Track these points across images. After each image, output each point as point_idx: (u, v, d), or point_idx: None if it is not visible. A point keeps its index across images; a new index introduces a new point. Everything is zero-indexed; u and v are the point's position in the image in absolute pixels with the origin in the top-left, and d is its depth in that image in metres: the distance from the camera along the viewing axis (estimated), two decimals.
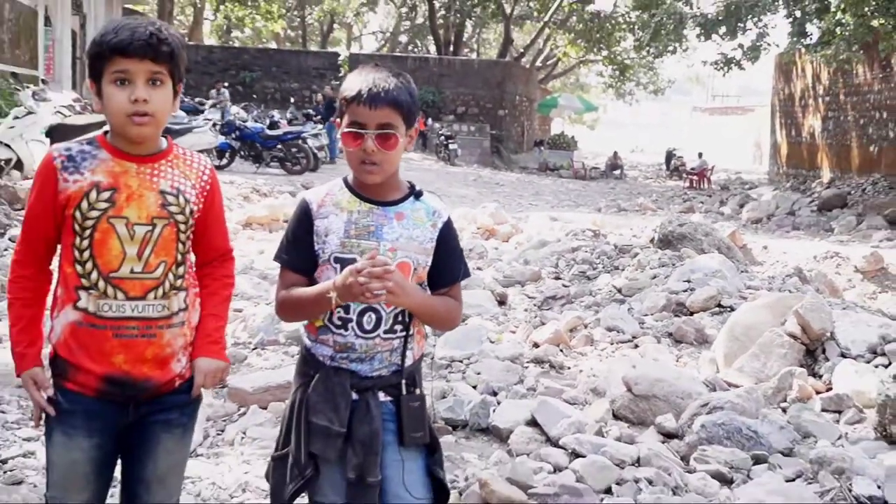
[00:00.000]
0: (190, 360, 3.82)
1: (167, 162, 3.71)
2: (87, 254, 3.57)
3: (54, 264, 3.73)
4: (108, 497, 3.88)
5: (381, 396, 3.77)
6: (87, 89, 22.00)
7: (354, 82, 3.77)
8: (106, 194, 3.56)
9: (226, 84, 45.48)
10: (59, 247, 3.69)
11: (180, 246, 3.70)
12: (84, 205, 3.54)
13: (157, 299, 3.64)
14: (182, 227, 3.68)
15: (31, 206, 3.68)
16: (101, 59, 3.54)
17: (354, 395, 3.71)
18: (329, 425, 3.65)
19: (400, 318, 3.78)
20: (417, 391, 3.85)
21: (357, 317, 3.72)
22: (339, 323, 3.74)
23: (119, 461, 3.86)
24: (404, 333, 3.79)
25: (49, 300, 3.76)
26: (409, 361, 3.82)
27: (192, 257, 3.83)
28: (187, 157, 3.80)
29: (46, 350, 3.71)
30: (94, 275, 3.57)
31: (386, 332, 3.75)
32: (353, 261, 3.62)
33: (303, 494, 3.79)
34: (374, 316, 3.73)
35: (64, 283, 3.64)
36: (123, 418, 3.70)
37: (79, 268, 3.58)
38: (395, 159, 3.77)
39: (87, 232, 3.56)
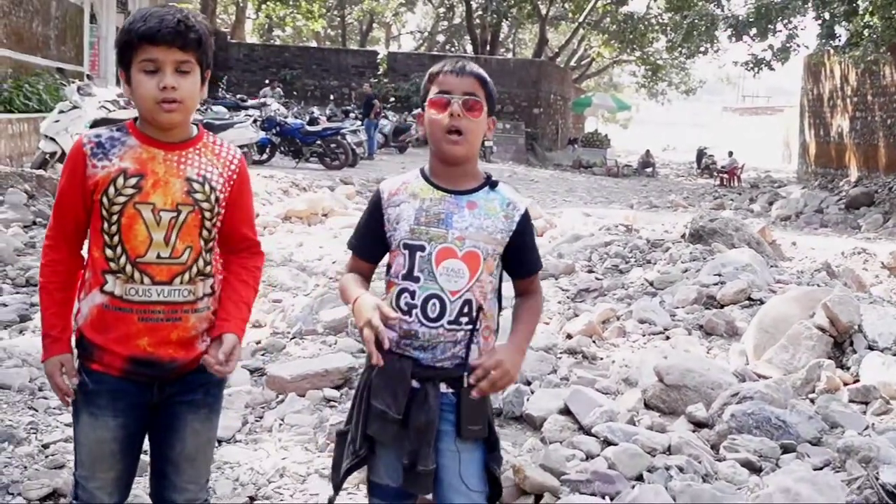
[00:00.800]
0: (210, 339, 3.79)
1: (195, 150, 3.70)
2: (115, 238, 3.57)
3: (84, 249, 3.74)
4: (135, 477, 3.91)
5: (443, 388, 3.72)
6: None
7: (439, 63, 3.85)
8: (133, 180, 3.56)
9: (279, 83, 45.68)
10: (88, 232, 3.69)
11: (205, 233, 3.69)
12: (111, 190, 3.55)
13: (183, 284, 3.64)
14: (207, 214, 3.67)
15: (61, 191, 3.68)
16: (129, 48, 3.54)
17: (416, 384, 3.68)
18: (386, 410, 3.64)
19: (466, 311, 3.72)
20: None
21: (421, 303, 3.68)
22: (404, 308, 3.70)
23: (147, 442, 3.87)
24: (470, 327, 3.72)
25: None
26: (473, 355, 3.72)
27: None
28: (216, 146, 3.80)
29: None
30: (123, 259, 3.57)
31: (450, 322, 3.69)
32: (421, 247, 3.69)
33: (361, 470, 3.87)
34: (437, 304, 3.68)
35: (92, 267, 3.64)
36: (149, 398, 3.71)
37: (108, 252, 3.58)
38: (478, 132, 3.76)
39: (115, 217, 3.56)
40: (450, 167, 3.79)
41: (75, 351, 3.73)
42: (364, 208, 3.96)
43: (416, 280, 3.68)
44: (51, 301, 3.69)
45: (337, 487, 3.91)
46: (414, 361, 3.69)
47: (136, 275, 3.57)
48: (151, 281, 3.59)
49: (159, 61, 3.50)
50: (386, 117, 40.89)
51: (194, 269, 3.66)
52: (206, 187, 3.66)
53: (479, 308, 3.74)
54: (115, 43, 3.65)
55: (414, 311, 3.68)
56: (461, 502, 3.72)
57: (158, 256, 3.59)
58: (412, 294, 3.68)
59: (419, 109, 3.92)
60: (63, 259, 3.69)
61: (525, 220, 3.84)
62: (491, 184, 3.82)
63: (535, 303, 4.02)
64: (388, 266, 3.83)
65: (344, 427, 3.88)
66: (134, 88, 3.56)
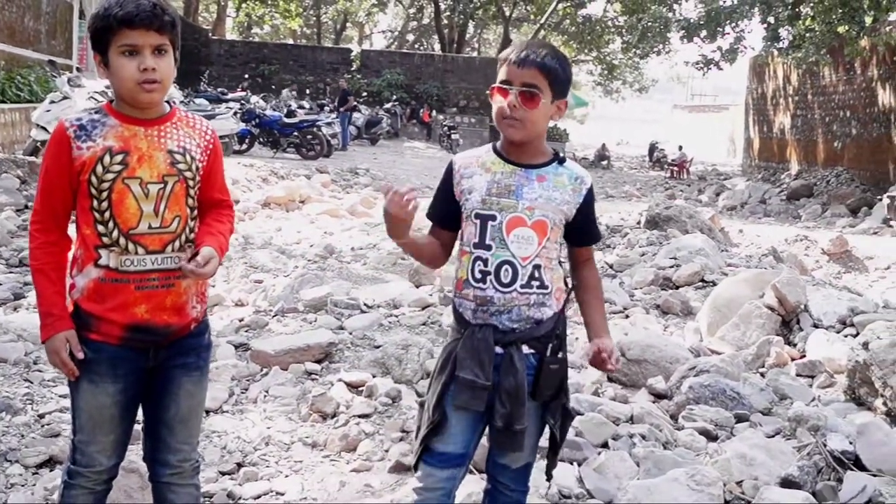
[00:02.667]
0: (199, 302, 3.82)
1: (172, 124, 3.70)
2: (107, 214, 3.55)
3: (71, 229, 3.70)
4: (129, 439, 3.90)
5: (525, 349, 3.70)
6: None
7: (510, 47, 3.80)
8: (119, 157, 3.55)
9: (295, 89, 45.61)
10: (73, 212, 3.67)
11: (190, 201, 3.70)
12: (99, 169, 3.53)
13: (174, 252, 3.64)
14: (191, 182, 3.68)
15: (46, 174, 3.63)
16: (107, 32, 3.51)
17: (499, 350, 3.67)
18: (475, 379, 3.63)
19: (536, 276, 3.71)
20: (560, 354, 3.78)
21: (495, 270, 3.68)
22: (479, 276, 3.69)
23: (140, 406, 3.86)
24: (541, 290, 3.71)
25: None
26: (547, 315, 3.72)
27: None
28: (190, 119, 3.81)
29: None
30: (116, 233, 3.56)
31: (523, 286, 3.67)
32: (492, 217, 3.69)
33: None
34: (510, 270, 3.67)
35: (83, 244, 3.61)
36: (145, 363, 3.70)
37: (100, 227, 3.56)
38: (538, 120, 3.70)
39: (105, 194, 3.54)
40: (515, 145, 3.77)
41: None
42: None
43: (489, 248, 3.68)
44: (48, 281, 3.63)
45: (417, 455, 3.88)
46: (495, 329, 3.68)
47: (130, 246, 3.57)
48: (145, 251, 3.59)
49: (138, 44, 3.49)
50: (359, 111, 40.84)
51: (183, 237, 3.67)
52: (188, 157, 3.67)
53: (549, 271, 3.74)
54: (89, 28, 3.60)
55: (488, 278, 3.68)
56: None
57: (150, 227, 3.59)
58: (485, 262, 3.68)
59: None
60: (55, 240, 3.65)
61: (590, 193, 3.85)
62: (560, 160, 3.81)
63: (595, 276, 4.04)
64: (461, 236, 3.83)
65: (423, 398, 3.91)
66: (114, 71, 3.54)
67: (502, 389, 3.63)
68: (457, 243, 3.91)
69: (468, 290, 3.72)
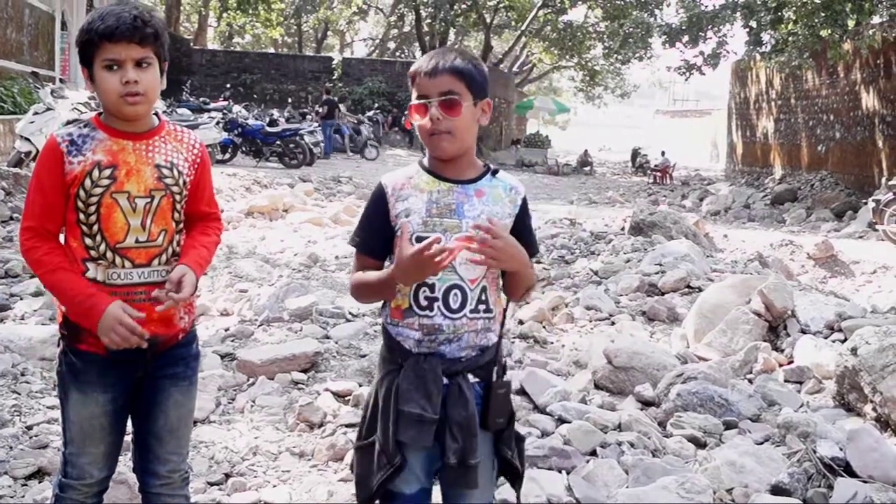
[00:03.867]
0: (187, 313, 3.81)
1: (160, 138, 3.71)
2: (95, 228, 3.56)
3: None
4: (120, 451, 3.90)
5: (471, 378, 3.51)
6: None
7: (418, 61, 3.60)
8: (107, 171, 3.56)
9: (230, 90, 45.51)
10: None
11: (176, 215, 3.70)
12: (87, 183, 3.54)
13: (160, 265, 3.65)
14: (177, 197, 3.69)
15: (40, 189, 3.61)
16: (90, 46, 3.52)
17: (445, 380, 3.45)
18: (422, 412, 3.40)
19: (483, 298, 3.51)
20: (505, 377, 3.62)
21: (443, 295, 3.46)
22: (424, 304, 3.47)
23: (130, 417, 3.86)
24: (487, 315, 3.53)
25: None
26: (492, 341, 3.56)
27: None
28: (178, 132, 3.81)
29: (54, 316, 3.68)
30: (103, 247, 3.57)
31: (472, 311, 3.48)
32: (437, 240, 3.36)
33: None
34: (459, 294, 3.47)
35: (71, 257, 3.61)
36: (133, 373, 3.70)
37: (87, 241, 3.57)
38: (465, 128, 3.51)
39: (93, 208, 3.55)
40: (446, 162, 3.57)
41: (58, 331, 3.74)
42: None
43: (434, 272, 3.41)
44: (69, 273, 3.58)
45: (369, 501, 3.61)
46: (441, 358, 3.47)
47: (118, 260, 3.57)
48: (132, 264, 3.59)
49: (120, 58, 3.49)
50: (344, 117, 40.87)
51: (170, 251, 3.68)
52: (175, 172, 3.68)
53: (498, 299, 3.60)
54: (76, 42, 3.60)
55: (436, 305, 3.47)
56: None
57: (137, 241, 3.59)
58: (431, 287, 3.47)
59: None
60: (55, 246, 3.62)
61: (525, 203, 3.68)
62: (492, 172, 3.64)
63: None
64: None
65: (364, 441, 3.61)
66: (98, 84, 3.55)
67: (453, 422, 3.42)
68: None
69: (412, 319, 3.49)
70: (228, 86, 47.40)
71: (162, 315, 3.66)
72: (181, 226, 3.75)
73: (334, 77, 50.30)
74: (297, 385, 7.41)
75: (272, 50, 70.28)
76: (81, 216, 3.56)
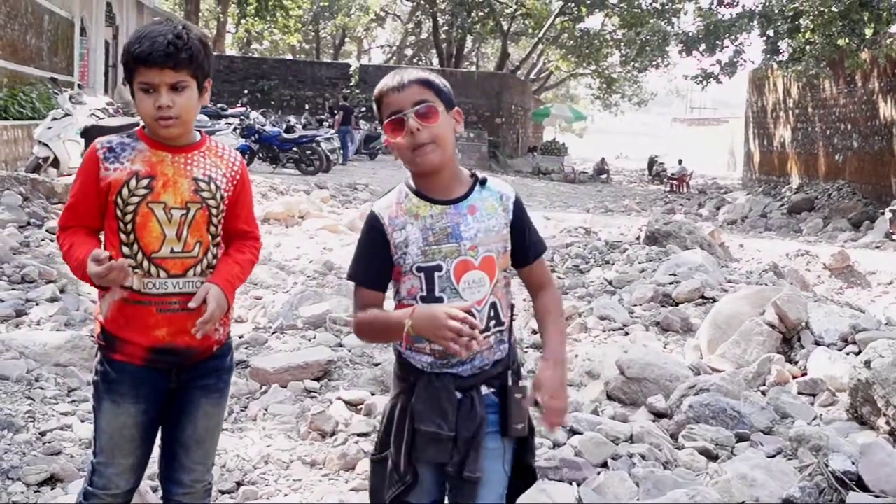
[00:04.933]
0: (222, 325, 3.81)
1: (200, 153, 3.75)
2: (132, 236, 3.60)
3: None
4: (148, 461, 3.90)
5: (484, 390, 3.46)
6: (118, 94, 22.10)
7: (382, 81, 3.51)
8: (145, 181, 3.60)
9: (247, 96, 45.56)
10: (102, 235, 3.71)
11: (212, 228, 3.72)
12: (125, 191, 3.58)
13: (196, 276, 3.68)
14: (213, 210, 3.71)
15: (75, 194, 3.70)
16: (128, 68, 3.59)
17: (458, 394, 3.41)
18: (439, 431, 3.36)
19: (493, 315, 3.46)
20: (521, 382, 3.52)
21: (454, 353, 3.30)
22: None
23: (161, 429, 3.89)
24: (499, 328, 3.49)
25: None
26: (505, 351, 3.51)
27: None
28: (220, 149, 3.85)
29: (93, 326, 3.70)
30: (140, 255, 3.60)
31: (483, 331, 3.36)
32: (438, 268, 3.39)
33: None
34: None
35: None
36: (167, 384, 3.73)
37: (125, 249, 3.61)
38: (445, 133, 3.43)
39: (130, 217, 3.59)
40: (431, 178, 3.48)
41: (97, 341, 3.77)
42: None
43: (440, 300, 3.38)
44: (75, 246, 3.60)
45: None
46: (453, 376, 3.43)
47: (153, 269, 3.61)
48: (167, 274, 3.63)
49: (154, 82, 3.53)
50: (358, 126, 40.92)
51: (205, 262, 3.70)
52: (212, 186, 3.70)
53: (508, 306, 3.55)
54: (121, 60, 3.66)
55: None
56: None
57: (172, 251, 3.63)
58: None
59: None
60: (76, 231, 3.67)
61: (518, 205, 3.58)
62: (480, 182, 3.55)
63: (554, 299, 3.74)
64: (397, 292, 3.53)
65: (378, 454, 3.58)
66: (136, 104, 3.61)
67: (460, 436, 3.38)
68: (390, 299, 3.57)
69: (422, 345, 3.42)
70: (246, 92, 47.49)
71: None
72: (217, 239, 3.77)
73: (351, 83, 50.36)
74: (310, 393, 7.40)
75: (290, 56, 70.48)
76: (120, 224, 3.61)
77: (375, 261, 3.50)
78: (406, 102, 3.40)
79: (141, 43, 3.51)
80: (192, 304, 3.58)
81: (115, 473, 3.73)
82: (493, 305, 3.47)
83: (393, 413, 3.52)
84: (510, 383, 3.49)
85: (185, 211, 3.64)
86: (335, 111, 40.36)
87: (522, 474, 3.63)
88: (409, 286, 3.46)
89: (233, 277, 3.75)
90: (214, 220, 3.72)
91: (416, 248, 3.42)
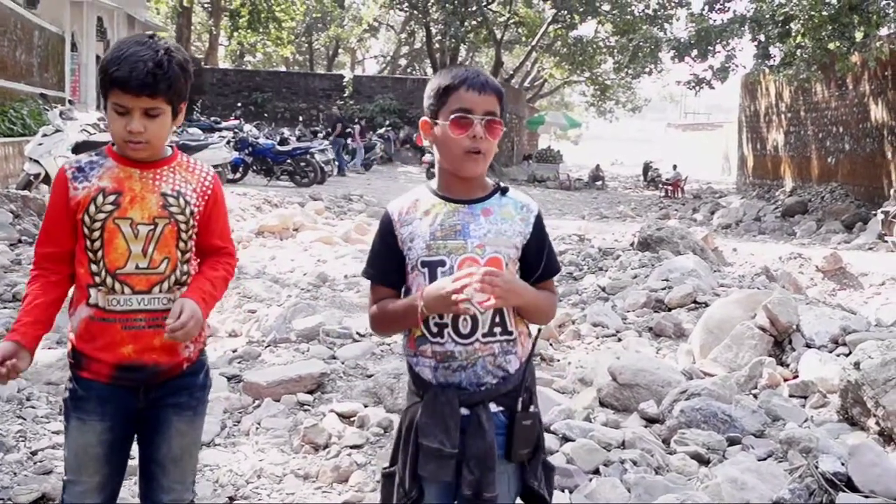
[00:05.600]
0: (194, 342, 3.80)
1: (169, 168, 3.71)
2: (99, 254, 3.58)
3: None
4: (123, 480, 3.90)
5: (493, 407, 3.41)
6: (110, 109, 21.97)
7: (455, 72, 3.51)
8: (111, 197, 3.58)
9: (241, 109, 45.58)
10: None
11: (181, 244, 3.68)
12: (91, 208, 3.56)
13: (162, 293, 3.64)
14: (183, 226, 3.67)
15: (47, 217, 3.70)
16: (103, 86, 3.54)
17: (465, 411, 3.37)
18: (441, 447, 3.32)
19: (498, 321, 3.40)
20: (532, 408, 3.45)
21: (452, 321, 3.36)
22: (435, 330, 3.39)
23: (137, 445, 3.87)
24: (505, 337, 3.41)
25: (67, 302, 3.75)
26: (514, 366, 3.43)
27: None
28: (191, 164, 3.80)
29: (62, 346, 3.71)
30: (104, 272, 3.58)
31: (485, 335, 3.37)
32: (441, 262, 3.38)
33: None
34: (469, 319, 3.35)
35: (77, 283, 3.65)
36: (135, 402, 3.70)
37: (92, 266, 3.59)
38: (494, 149, 3.48)
39: (97, 233, 3.57)
40: (461, 181, 3.48)
41: (68, 357, 3.75)
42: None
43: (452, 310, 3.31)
44: (34, 295, 3.63)
45: None
46: (458, 388, 3.39)
47: (117, 286, 3.58)
48: (132, 290, 3.59)
49: (128, 106, 3.50)
50: (352, 137, 40.91)
51: (172, 279, 3.66)
52: (181, 201, 3.67)
53: (514, 314, 3.45)
54: (97, 74, 3.63)
55: (445, 331, 3.38)
56: None
57: (137, 267, 3.59)
58: (440, 314, 3.37)
59: (422, 118, 3.57)
60: (54, 281, 3.66)
61: (539, 221, 3.54)
62: (502, 190, 3.53)
63: (553, 296, 3.65)
64: (407, 290, 3.51)
65: (389, 468, 3.57)
66: (108, 120, 3.58)
67: (470, 455, 3.31)
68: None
69: (425, 347, 3.41)
70: (239, 104, 47.52)
71: (164, 344, 3.65)
72: (188, 255, 3.73)
73: (345, 95, 50.37)
74: (303, 406, 7.39)
75: (283, 68, 70.46)
76: (87, 242, 3.58)
77: (386, 257, 3.53)
78: (481, 107, 3.41)
79: (120, 66, 3.46)
80: (168, 321, 3.53)
81: (81, 491, 3.71)
82: (500, 311, 3.41)
83: (402, 427, 3.51)
84: (520, 408, 3.42)
85: (152, 226, 3.61)
86: (336, 123, 40.34)
87: (527, 498, 3.55)
88: (417, 284, 3.44)
89: (206, 294, 3.73)
90: (184, 235, 3.68)
91: (422, 241, 3.42)
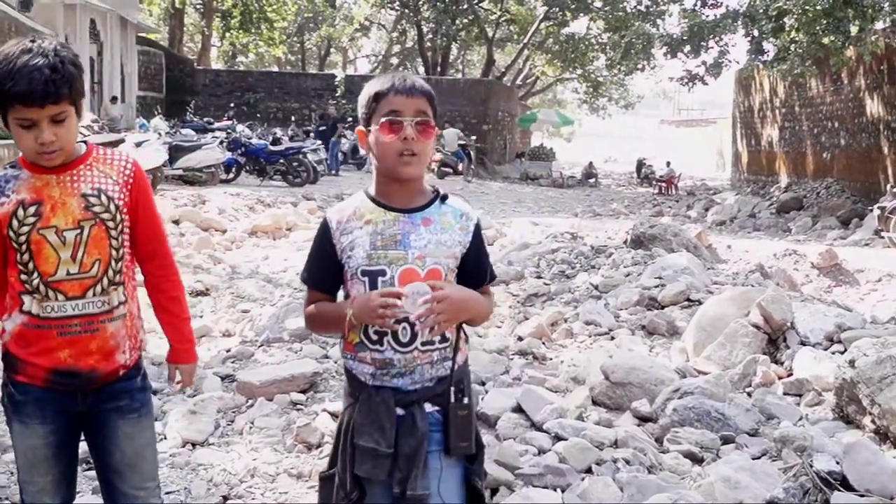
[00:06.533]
0: (170, 361, 3.99)
1: (86, 166, 3.66)
2: (30, 265, 3.57)
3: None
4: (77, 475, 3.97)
5: (428, 407, 3.47)
6: (104, 111, 21.99)
7: (384, 79, 3.56)
8: (32, 209, 3.55)
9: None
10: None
11: (113, 242, 3.66)
12: (14, 223, 3.54)
13: (96, 296, 3.63)
14: (110, 224, 3.65)
15: None
16: (2, 101, 3.43)
17: (400, 411, 3.43)
18: (376, 447, 3.38)
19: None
20: (465, 399, 3.53)
21: (391, 330, 3.41)
22: (374, 338, 3.45)
23: (89, 453, 3.92)
24: (443, 345, 3.50)
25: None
26: (451, 370, 3.52)
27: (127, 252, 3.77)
28: (108, 156, 3.74)
29: None
30: (36, 281, 3.57)
31: (423, 343, 3.44)
32: (382, 272, 3.42)
33: None
34: (408, 327, 3.41)
35: (10, 290, 3.65)
36: (73, 406, 3.71)
37: (24, 276, 3.58)
38: (428, 151, 3.50)
39: (24, 246, 3.55)
40: (401, 186, 3.52)
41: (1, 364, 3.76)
42: None
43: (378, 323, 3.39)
44: None
45: None
46: (394, 391, 3.45)
47: (51, 293, 3.57)
48: (65, 297, 3.59)
49: (35, 118, 3.43)
50: (345, 137, 40.92)
51: (105, 280, 3.64)
52: (104, 198, 3.63)
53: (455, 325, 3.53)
54: None
55: (385, 339, 3.44)
56: None
57: (68, 273, 3.58)
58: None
59: (357, 127, 3.63)
60: None
61: (478, 229, 3.62)
62: (441, 197, 3.57)
63: (491, 298, 3.80)
64: (346, 296, 3.57)
65: (327, 471, 3.64)
66: (15, 138, 3.51)
67: (401, 453, 3.39)
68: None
69: (364, 353, 3.47)
70: (232, 105, 47.45)
71: (100, 348, 3.66)
72: (121, 252, 3.70)
73: (337, 94, 50.35)
74: (296, 406, 7.44)
75: (275, 68, 70.47)
76: (17, 255, 3.57)
77: (323, 263, 3.59)
78: (410, 109, 3.45)
79: (16, 80, 3.35)
80: (175, 387, 3.87)
81: (36, 491, 3.73)
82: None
83: (339, 428, 3.56)
84: (453, 400, 3.50)
85: (78, 230, 3.58)
86: (331, 122, 40.31)
87: (470, 497, 3.60)
88: (356, 292, 3.48)
89: (192, 337, 4.00)
90: (114, 232, 3.66)
91: (363, 251, 3.46)
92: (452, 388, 3.51)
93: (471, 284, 3.59)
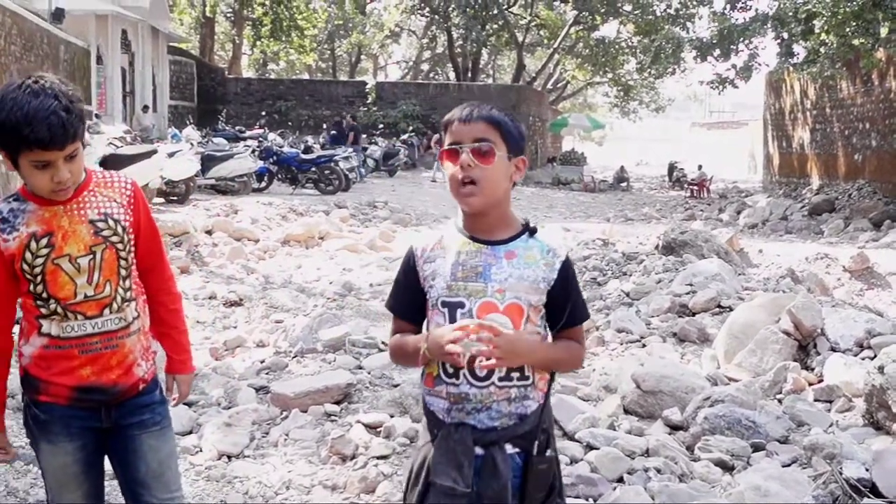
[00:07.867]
0: (168, 372, 4.05)
1: (89, 192, 3.70)
2: (45, 294, 3.61)
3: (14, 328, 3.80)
4: (104, 492, 3.99)
5: (509, 448, 3.35)
6: (136, 121, 22.04)
7: (456, 109, 3.49)
8: (44, 240, 3.59)
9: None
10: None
11: (122, 262, 3.72)
12: (28, 255, 3.58)
13: (112, 314, 3.69)
14: (119, 245, 3.71)
15: None
16: (17, 145, 3.43)
17: (479, 451, 3.32)
18: (454, 486, 3.26)
19: (516, 366, 3.35)
20: (549, 452, 3.42)
21: (468, 363, 3.27)
22: (451, 371, 3.36)
23: (113, 470, 3.95)
24: (522, 382, 3.38)
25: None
26: (531, 409, 3.39)
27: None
28: (107, 179, 3.79)
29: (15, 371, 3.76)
30: (54, 305, 3.62)
31: (501, 379, 3.34)
32: (461, 304, 3.35)
33: None
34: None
35: (26, 315, 3.70)
36: (98, 422, 3.77)
37: (39, 303, 3.63)
38: (496, 179, 3.38)
39: (39, 277, 3.60)
40: (476, 218, 3.44)
41: (19, 386, 3.81)
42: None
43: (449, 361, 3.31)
44: None
45: None
46: (473, 429, 3.35)
47: (69, 314, 3.63)
48: (84, 317, 3.65)
49: (52, 160, 3.46)
50: (375, 143, 40.98)
51: (119, 299, 3.70)
52: (111, 221, 3.69)
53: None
54: None
55: (461, 373, 3.34)
56: None
57: (86, 296, 3.64)
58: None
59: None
60: None
61: (566, 266, 3.47)
62: (529, 231, 3.48)
63: (576, 346, 3.58)
64: (426, 327, 3.51)
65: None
66: (25, 176, 3.53)
67: (484, 497, 3.28)
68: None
69: (440, 387, 3.39)
70: (264, 113, 47.69)
71: (120, 363, 3.73)
72: (127, 271, 3.76)
73: (368, 101, 50.44)
74: (330, 417, 7.44)
75: (306, 76, 70.63)
76: (31, 286, 3.61)
77: (407, 292, 3.55)
78: (467, 136, 3.39)
79: (33, 127, 3.35)
80: (169, 399, 3.93)
81: None
82: None
83: (413, 466, 3.50)
84: (535, 452, 3.38)
85: (91, 256, 3.63)
86: (348, 129, 40.43)
87: None
88: (436, 324, 3.43)
89: (189, 349, 4.09)
90: (123, 253, 3.72)
91: (443, 281, 3.41)
92: (537, 441, 3.39)
93: (559, 323, 3.48)
